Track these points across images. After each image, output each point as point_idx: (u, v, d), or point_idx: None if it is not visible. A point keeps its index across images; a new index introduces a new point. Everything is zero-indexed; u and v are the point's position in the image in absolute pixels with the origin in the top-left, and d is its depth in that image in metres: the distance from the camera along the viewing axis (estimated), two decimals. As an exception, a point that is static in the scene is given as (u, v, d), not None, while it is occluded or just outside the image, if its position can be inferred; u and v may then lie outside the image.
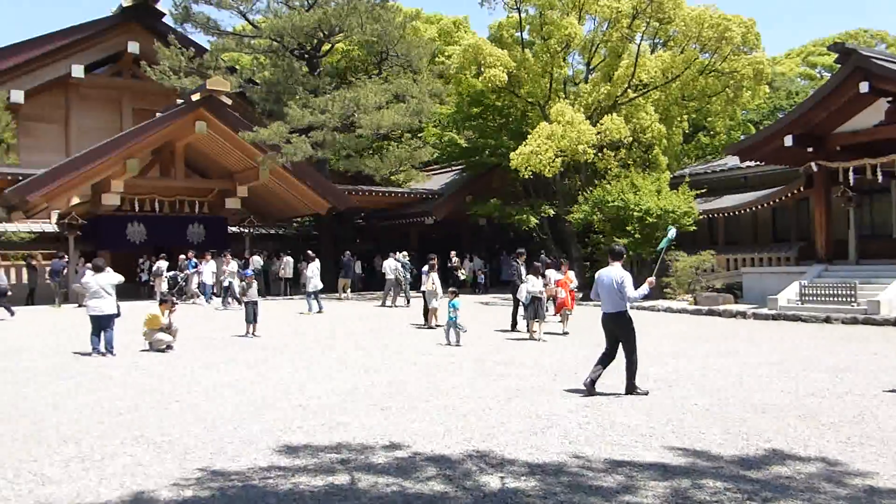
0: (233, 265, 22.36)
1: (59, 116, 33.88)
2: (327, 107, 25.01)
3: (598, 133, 24.34)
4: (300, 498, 5.01)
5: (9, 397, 8.54)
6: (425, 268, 17.14)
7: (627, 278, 8.59)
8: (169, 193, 27.49)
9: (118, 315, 12.43)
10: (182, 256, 24.38)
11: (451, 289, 15.90)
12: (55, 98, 33.50)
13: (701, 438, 6.61)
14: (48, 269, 23.89)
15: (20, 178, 23.49)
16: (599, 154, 25.41)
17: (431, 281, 15.87)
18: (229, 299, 21.55)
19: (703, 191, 25.29)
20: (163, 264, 23.79)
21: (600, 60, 28.64)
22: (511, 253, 31.32)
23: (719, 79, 26.27)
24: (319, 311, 19.86)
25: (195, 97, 25.07)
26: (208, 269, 23.16)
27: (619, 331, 8.65)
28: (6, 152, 28.02)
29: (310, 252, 22.61)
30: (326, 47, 30.96)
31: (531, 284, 14.19)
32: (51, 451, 6.19)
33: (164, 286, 22.82)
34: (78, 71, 32.82)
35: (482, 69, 26.30)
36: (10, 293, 19.78)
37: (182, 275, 24.06)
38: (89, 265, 22.61)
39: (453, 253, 27.21)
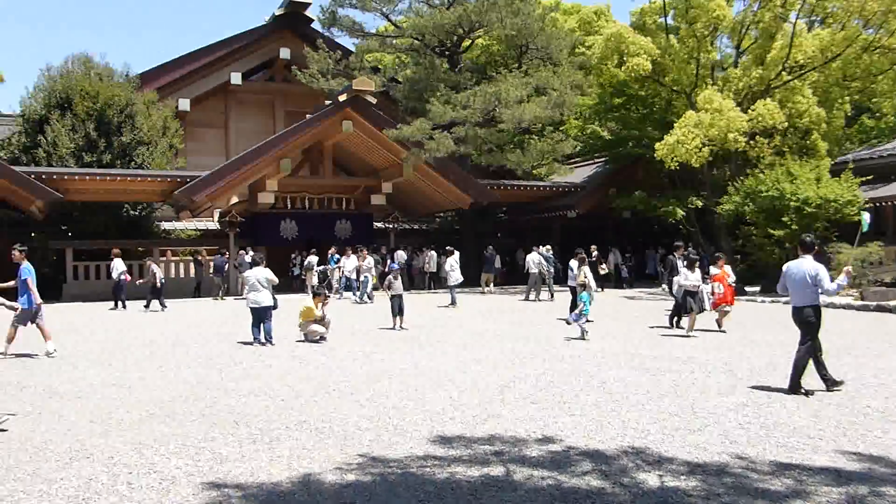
0: (369, 261, 22.98)
1: (220, 121, 36.25)
2: (469, 102, 25.26)
3: (750, 120, 23.14)
4: (457, 487, 5.10)
5: (184, 382, 9.22)
6: (573, 262, 16.98)
7: (822, 270, 8.12)
8: (318, 191, 28.69)
9: (275, 307, 13.16)
10: (332, 251, 25.37)
11: (578, 282, 15.73)
12: (216, 104, 35.90)
13: (877, 443, 6.16)
14: (212, 264, 25.68)
15: (188, 179, 25.25)
16: (751, 142, 24.15)
17: (584, 274, 15.68)
18: (368, 293, 22.19)
19: (868, 178, 23.49)
20: (313, 259, 24.91)
21: (751, 43, 27.20)
22: (655, 247, 30.69)
23: (886, 56, 24.29)
24: (453, 305, 20.15)
25: (342, 98, 25.99)
26: (349, 263, 23.91)
27: (805, 324, 8.19)
28: (175, 156, 30.26)
29: (449, 246, 22.99)
30: (466, 43, 31.25)
31: (684, 278, 13.72)
32: (225, 432, 6.62)
33: (315, 280, 23.90)
34: (236, 78, 35.04)
35: (625, 58, 25.67)
36: (163, 286, 21.33)
37: (326, 269, 25.10)
38: (243, 251, 24.10)
39: (594, 247, 26.79)
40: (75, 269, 26.26)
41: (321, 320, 13.43)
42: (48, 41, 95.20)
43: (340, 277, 24.30)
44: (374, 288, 22.35)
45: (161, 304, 20.58)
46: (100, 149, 27.10)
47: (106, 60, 30.21)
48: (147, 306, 20.49)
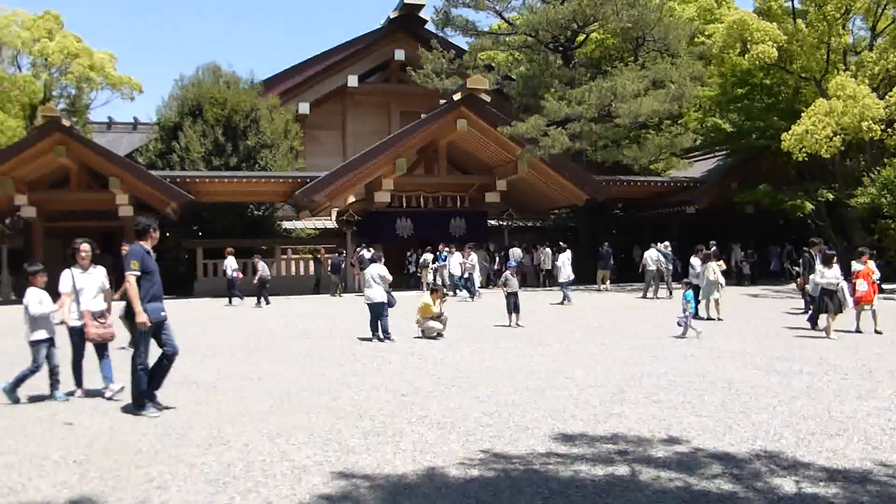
0: (472, 258, 22.98)
1: (337, 123, 37.32)
2: (584, 98, 24.92)
3: (887, 106, 21.72)
4: (581, 486, 5.03)
5: (308, 375, 9.55)
6: (693, 258, 16.49)
7: None
8: (433, 189, 29.04)
9: (390, 304, 13.39)
10: (441, 248, 25.54)
11: (684, 280, 15.35)
12: (334, 106, 37.00)
13: None
14: (329, 262, 26.51)
15: (308, 180, 26.14)
16: (888, 130, 22.65)
17: (713, 270, 15.22)
18: (457, 291, 22.25)
19: None
20: (428, 257, 25.24)
21: (888, 24, 25.52)
22: (780, 242, 29.20)
23: None
24: (568, 302, 19.92)
25: (456, 97, 26.21)
26: (454, 261, 23.92)
27: None
28: (295, 158, 31.42)
29: (562, 243, 22.79)
30: (581, 38, 30.84)
31: (821, 275, 13.02)
32: (350, 424, 6.81)
33: (430, 277, 24.21)
34: (353, 80, 36.02)
35: (748, 46, 24.64)
36: (269, 284, 22.17)
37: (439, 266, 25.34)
38: (363, 249, 24.75)
39: (713, 242, 25.84)
40: (205, 267, 27.71)
41: (438, 317, 13.58)
42: (182, 53, 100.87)
43: (449, 275, 24.44)
44: (482, 285, 22.43)
45: (265, 300, 21.44)
46: (227, 152, 28.49)
47: (233, 69, 31.80)
48: (259, 303, 21.40)
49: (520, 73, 29.94)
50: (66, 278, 8.21)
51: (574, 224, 32.63)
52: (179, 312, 13.37)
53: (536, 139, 24.87)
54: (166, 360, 7.50)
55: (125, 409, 7.48)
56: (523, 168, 26.60)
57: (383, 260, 13.98)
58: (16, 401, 7.86)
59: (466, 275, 22.81)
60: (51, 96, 35.75)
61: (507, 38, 30.94)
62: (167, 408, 7.44)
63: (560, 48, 29.85)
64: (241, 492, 4.96)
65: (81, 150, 24.53)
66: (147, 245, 7.48)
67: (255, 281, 21.69)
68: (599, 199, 28.58)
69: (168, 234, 28.67)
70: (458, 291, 23.47)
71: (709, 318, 15.49)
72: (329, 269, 26.28)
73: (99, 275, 8.43)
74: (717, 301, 15.60)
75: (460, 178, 30.12)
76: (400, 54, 36.45)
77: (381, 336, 12.99)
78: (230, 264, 22.16)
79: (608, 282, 25.39)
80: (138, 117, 40.26)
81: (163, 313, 7.37)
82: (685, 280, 15.29)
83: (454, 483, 5.13)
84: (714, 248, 24.04)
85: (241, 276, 22.69)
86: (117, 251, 14.93)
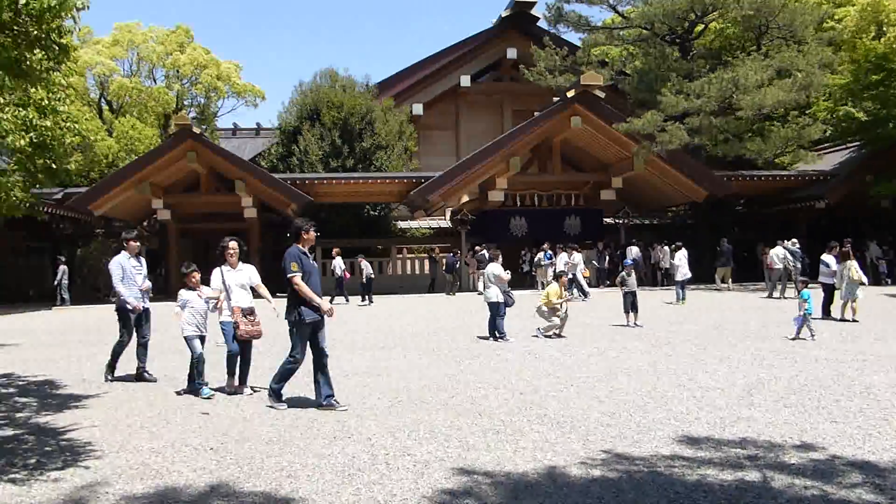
0: (575, 257, 22.55)
1: (451, 123, 37.68)
2: (703, 90, 24.08)
3: None
4: (710, 491, 4.87)
5: (427, 372, 9.69)
6: (825, 256, 15.64)
7: None
8: (546, 188, 28.81)
9: (507, 304, 13.36)
10: (545, 247, 25.20)
11: (801, 278, 14.55)
12: (447, 107, 37.38)
13: None
14: (444, 261, 26.79)
15: (422, 180, 26.51)
16: None
17: (854, 269, 14.44)
18: (574, 291, 21.85)
19: None
20: (543, 256, 25.03)
21: None
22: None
23: None
24: (682, 301, 19.37)
25: (570, 94, 25.91)
26: (560, 261, 23.53)
27: None
28: (410, 159, 31.96)
29: (678, 242, 22.16)
30: (699, 28, 29.80)
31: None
32: (469, 421, 6.87)
33: (550, 274, 23.99)
34: (465, 80, 36.29)
35: (884, 29, 23.15)
36: (371, 281, 22.66)
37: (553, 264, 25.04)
38: (479, 248, 24.89)
39: (847, 240, 24.36)
40: (324, 266, 28.58)
41: (559, 313, 13.39)
42: (302, 60, 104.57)
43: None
44: (590, 284, 22.05)
45: (369, 298, 21.85)
46: (344, 154, 29.31)
47: (348, 73, 32.70)
48: (363, 300, 21.84)
49: (635, 68, 29.23)
50: (217, 276, 8.50)
51: (692, 221, 31.57)
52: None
53: (653, 135, 24.21)
54: (325, 359, 7.58)
55: (255, 400, 7.83)
56: (640, 165, 25.97)
57: (500, 259, 13.96)
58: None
59: (570, 275, 22.54)
60: (182, 106, 37.91)
61: (621, 33, 30.28)
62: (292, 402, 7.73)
63: (677, 40, 28.94)
64: (366, 483, 5.09)
65: (210, 155, 25.84)
66: (303, 246, 7.67)
67: (363, 280, 22.29)
68: (719, 196, 27.54)
69: (288, 235, 29.74)
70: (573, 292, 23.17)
71: (842, 320, 14.64)
72: (444, 268, 26.55)
73: (247, 272, 8.63)
74: (854, 301, 14.70)
75: (575, 175, 29.71)
76: (512, 53, 36.41)
77: (498, 335, 12.99)
78: (338, 264, 22.81)
79: (729, 281, 24.39)
80: (261, 123, 42.19)
81: (318, 314, 7.45)
82: (802, 278, 14.57)
83: (576, 483, 5.08)
84: (849, 245, 22.79)
85: (348, 275, 23.31)
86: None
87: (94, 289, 26.79)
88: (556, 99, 27.15)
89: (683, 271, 20.28)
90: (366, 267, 22.59)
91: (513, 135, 26.94)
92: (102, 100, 36.88)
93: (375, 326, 15.64)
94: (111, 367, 9.37)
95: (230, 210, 26.62)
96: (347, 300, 22.61)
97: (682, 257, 20.59)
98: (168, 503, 4.77)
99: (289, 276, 7.38)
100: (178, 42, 37.73)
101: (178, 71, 37.16)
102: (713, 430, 6.40)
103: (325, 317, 7.50)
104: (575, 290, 22.46)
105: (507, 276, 13.57)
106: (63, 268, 24.23)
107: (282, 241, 25.34)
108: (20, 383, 9.38)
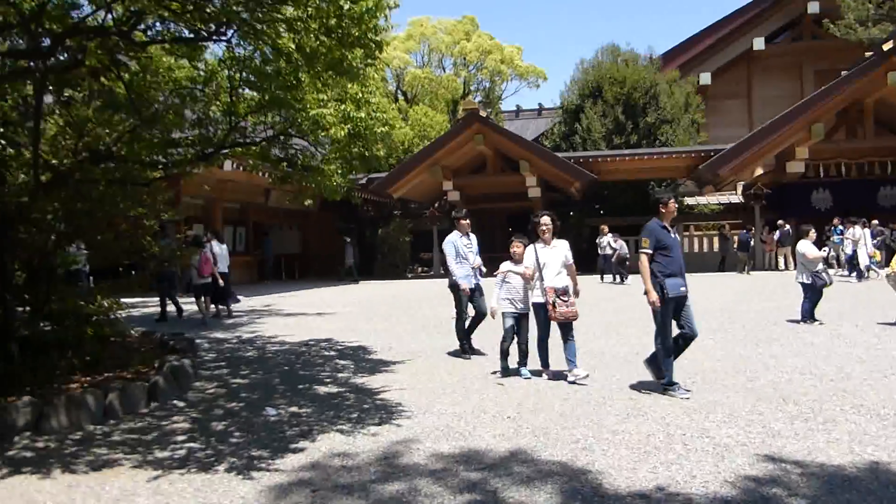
0: (856, 231, 19.60)
1: (741, 91, 35.32)
2: None
3: None
4: None
5: (722, 354, 9.21)
6: None
7: None
8: (856, 156, 25.84)
9: (814, 285, 12.18)
10: (836, 222, 22.45)
11: None
12: (737, 74, 35.10)
13: None
14: (736, 238, 25.22)
15: (711, 154, 25.19)
16: None
17: None
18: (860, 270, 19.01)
19: None
20: (858, 231, 22.33)
21: None
22: None
23: None
24: None
25: (886, 46, 22.89)
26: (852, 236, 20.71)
27: None
28: (697, 132, 30.51)
29: None
30: None
31: None
32: (772, 406, 6.43)
33: (849, 249, 21.49)
34: (759, 43, 33.75)
35: None
36: (628, 262, 21.68)
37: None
38: (783, 224, 23.00)
39: None
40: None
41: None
42: (582, 37, 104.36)
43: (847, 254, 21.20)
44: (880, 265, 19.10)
45: (622, 276, 21.31)
46: (627, 130, 28.79)
47: (630, 47, 31.98)
48: (619, 279, 21.35)
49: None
50: (530, 253, 8.03)
51: None
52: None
53: None
54: (682, 341, 7.18)
55: (646, 387, 8.02)
56: None
57: (812, 236, 12.64)
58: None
59: (849, 251, 19.89)
60: (469, 91, 39.81)
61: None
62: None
63: None
64: (663, 462, 5.00)
65: (496, 137, 26.81)
66: (664, 220, 7.18)
67: (614, 259, 21.68)
68: None
69: (571, 214, 29.96)
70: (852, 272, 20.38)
71: None
72: (736, 246, 25.00)
73: (562, 249, 7.97)
74: None
75: (892, 140, 26.24)
76: (814, 7, 33.01)
77: (803, 319, 11.91)
78: (608, 241, 22.37)
79: None
80: (542, 103, 42.77)
81: (682, 289, 6.98)
82: None
83: (906, 482, 4.54)
84: None
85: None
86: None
87: (392, 265, 29.21)
88: (868, 54, 24.15)
89: None
90: (621, 246, 21.96)
91: (815, 98, 24.47)
92: (398, 91, 39.97)
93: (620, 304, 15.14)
94: (462, 345, 9.46)
95: (515, 189, 27.43)
96: (626, 278, 21.88)
97: None
98: (473, 463, 5.09)
99: (639, 251, 7.17)
100: (465, 31, 39.59)
101: (464, 58, 39.06)
102: None
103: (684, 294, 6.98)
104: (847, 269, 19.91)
105: (818, 253, 12.30)
106: (349, 249, 26.76)
107: (564, 219, 25.69)
108: (339, 347, 10.53)
